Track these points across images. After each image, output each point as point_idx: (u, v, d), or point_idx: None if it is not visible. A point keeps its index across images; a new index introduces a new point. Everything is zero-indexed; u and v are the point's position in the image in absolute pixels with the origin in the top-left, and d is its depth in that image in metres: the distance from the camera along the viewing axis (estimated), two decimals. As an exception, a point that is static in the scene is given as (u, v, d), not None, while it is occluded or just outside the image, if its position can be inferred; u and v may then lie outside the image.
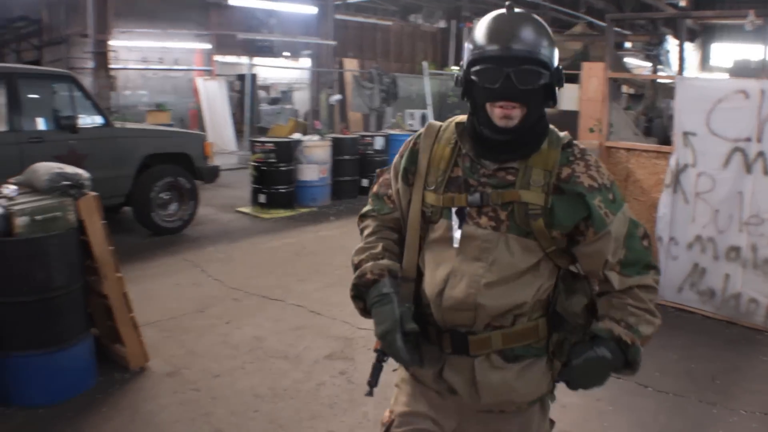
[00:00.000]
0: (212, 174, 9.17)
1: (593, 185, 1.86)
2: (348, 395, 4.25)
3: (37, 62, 17.83)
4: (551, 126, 1.95)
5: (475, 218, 1.88)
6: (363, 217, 2.17)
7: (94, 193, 4.30)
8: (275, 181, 10.07)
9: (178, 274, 6.82)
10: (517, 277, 1.87)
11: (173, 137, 9.01)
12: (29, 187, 4.26)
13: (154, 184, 8.19)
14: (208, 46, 18.54)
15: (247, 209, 10.19)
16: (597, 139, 6.16)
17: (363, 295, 1.99)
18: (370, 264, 1.99)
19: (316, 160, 10.54)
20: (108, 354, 4.53)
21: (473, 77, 1.84)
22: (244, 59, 17.30)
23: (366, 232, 2.12)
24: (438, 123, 2.07)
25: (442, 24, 24.57)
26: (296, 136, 11.00)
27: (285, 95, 21.69)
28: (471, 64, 1.84)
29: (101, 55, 12.06)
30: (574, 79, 14.54)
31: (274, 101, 20.94)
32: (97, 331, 4.53)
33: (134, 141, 8.13)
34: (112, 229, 4.61)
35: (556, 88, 1.88)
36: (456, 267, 1.89)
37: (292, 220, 9.68)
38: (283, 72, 21.30)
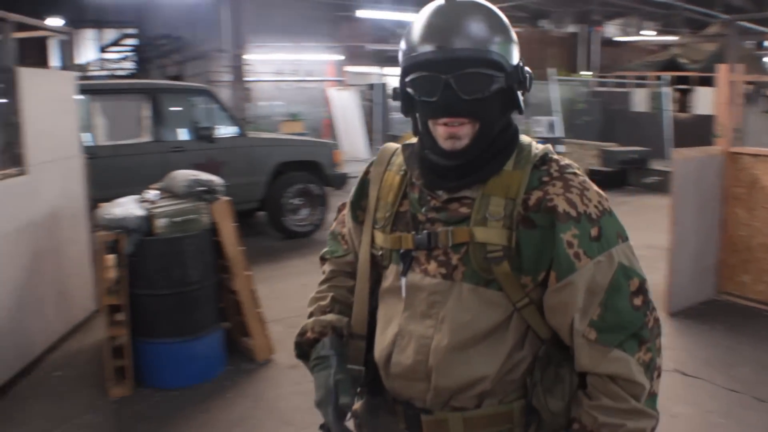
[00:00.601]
0: (341, 181, 9.42)
1: (569, 212, 1.37)
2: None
3: (178, 77, 18.91)
4: (526, 138, 1.51)
5: (423, 264, 1.47)
6: (322, 259, 1.81)
7: (226, 198, 4.67)
8: (402, 187, 10.25)
9: (306, 275, 7.09)
10: (476, 341, 1.43)
11: (304, 146, 9.32)
12: (169, 192, 4.68)
13: (285, 190, 8.56)
14: (340, 57, 19.04)
15: (373, 214, 10.41)
16: (721, 145, 6.00)
17: (307, 355, 1.64)
18: (312, 320, 1.65)
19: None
20: (237, 346, 4.87)
21: (408, 89, 1.43)
22: (374, 69, 17.67)
23: (321, 278, 1.76)
24: (394, 146, 1.66)
25: (571, 29, 24.20)
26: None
27: (415, 103, 21.93)
28: (405, 71, 1.42)
29: (238, 69, 12.80)
30: (709, 81, 14.01)
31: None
32: (229, 324, 4.88)
33: (267, 150, 8.54)
34: (247, 232, 4.92)
35: (519, 93, 1.43)
36: (403, 326, 1.50)
37: (416, 225, 9.79)
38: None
